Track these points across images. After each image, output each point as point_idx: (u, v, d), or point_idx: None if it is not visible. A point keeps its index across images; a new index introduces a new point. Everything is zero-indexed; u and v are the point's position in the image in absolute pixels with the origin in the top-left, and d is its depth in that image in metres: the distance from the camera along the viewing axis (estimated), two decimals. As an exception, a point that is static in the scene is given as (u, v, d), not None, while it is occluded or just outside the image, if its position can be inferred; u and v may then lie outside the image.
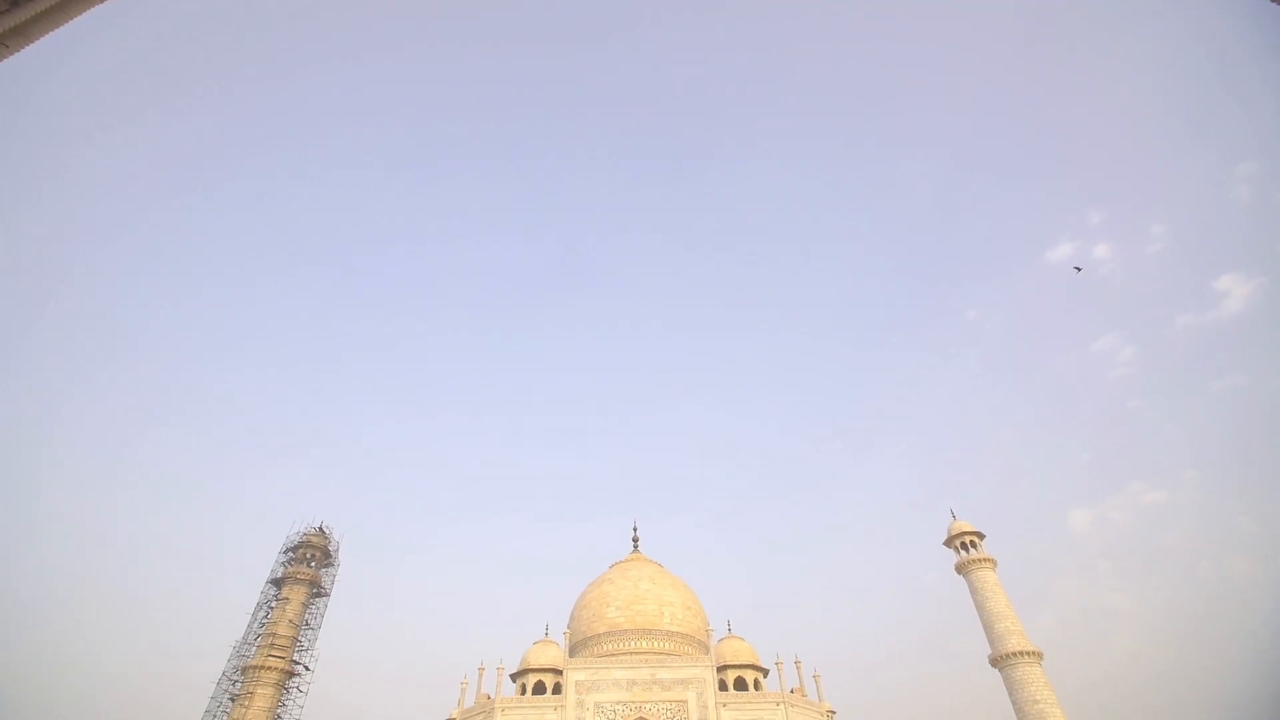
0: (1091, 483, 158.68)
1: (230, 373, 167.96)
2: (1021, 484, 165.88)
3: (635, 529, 69.91)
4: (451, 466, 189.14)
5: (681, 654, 54.06)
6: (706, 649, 54.72)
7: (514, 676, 52.59)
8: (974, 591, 56.32)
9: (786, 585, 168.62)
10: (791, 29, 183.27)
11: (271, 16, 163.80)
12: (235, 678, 51.24)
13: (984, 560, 56.96)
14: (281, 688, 51.42)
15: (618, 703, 47.33)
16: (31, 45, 6.34)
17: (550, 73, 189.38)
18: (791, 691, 49.96)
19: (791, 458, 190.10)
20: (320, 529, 60.00)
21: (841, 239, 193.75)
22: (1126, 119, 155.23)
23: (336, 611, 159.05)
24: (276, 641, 52.11)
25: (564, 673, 49.10)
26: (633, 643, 54.95)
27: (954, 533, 59.73)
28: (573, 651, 55.93)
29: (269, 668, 50.55)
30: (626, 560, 65.50)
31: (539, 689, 50.20)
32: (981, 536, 59.04)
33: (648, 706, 47.12)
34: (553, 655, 52.54)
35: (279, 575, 56.07)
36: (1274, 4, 7.53)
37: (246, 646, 52.65)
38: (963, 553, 58.26)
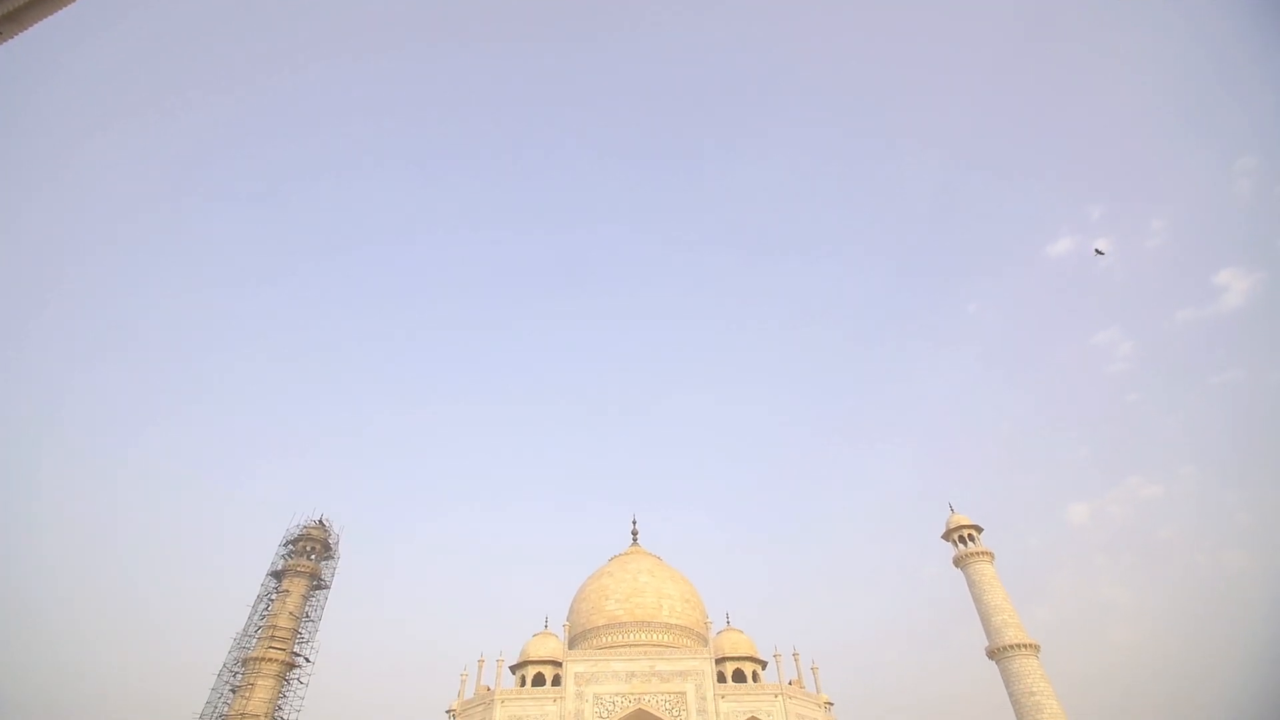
0: (1090, 476, 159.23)
1: (230, 367, 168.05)
2: (1020, 477, 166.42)
3: (634, 522, 70.19)
4: (451, 459, 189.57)
5: (680, 646, 54.30)
6: (705, 641, 54.96)
7: (513, 668, 52.83)
8: (972, 584, 56.53)
9: (785, 578, 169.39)
10: (793, 27, 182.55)
11: (274, 15, 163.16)
12: (236, 669, 51.49)
13: (982, 553, 57.16)
14: (282, 679, 51.69)
15: (617, 694, 47.56)
16: (25, 31, 6.30)
17: (552, 70, 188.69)
18: (790, 683, 50.21)
19: (791, 451, 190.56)
20: (320, 522, 60.18)
21: (843, 234, 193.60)
22: (1127, 114, 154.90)
23: (336, 604, 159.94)
24: (277, 633, 52.33)
25: (563, 665, 49.32)
26: (632, 635, 55.19)
27: (952, 526, 59.91)
28: (572, 644, 56.19)
29: (269, 659, 50.80)
30: (626, 553, 65.69)
31: (538, 681, 50.43)
32: (980, 530, 59.22)
33: (647, 698, 47.35)
34: (552, 647, 52.76)
35: (279, 568, 56.27)
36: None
37: (247, 638, 52.89)
38: (961, 546, 58.46)
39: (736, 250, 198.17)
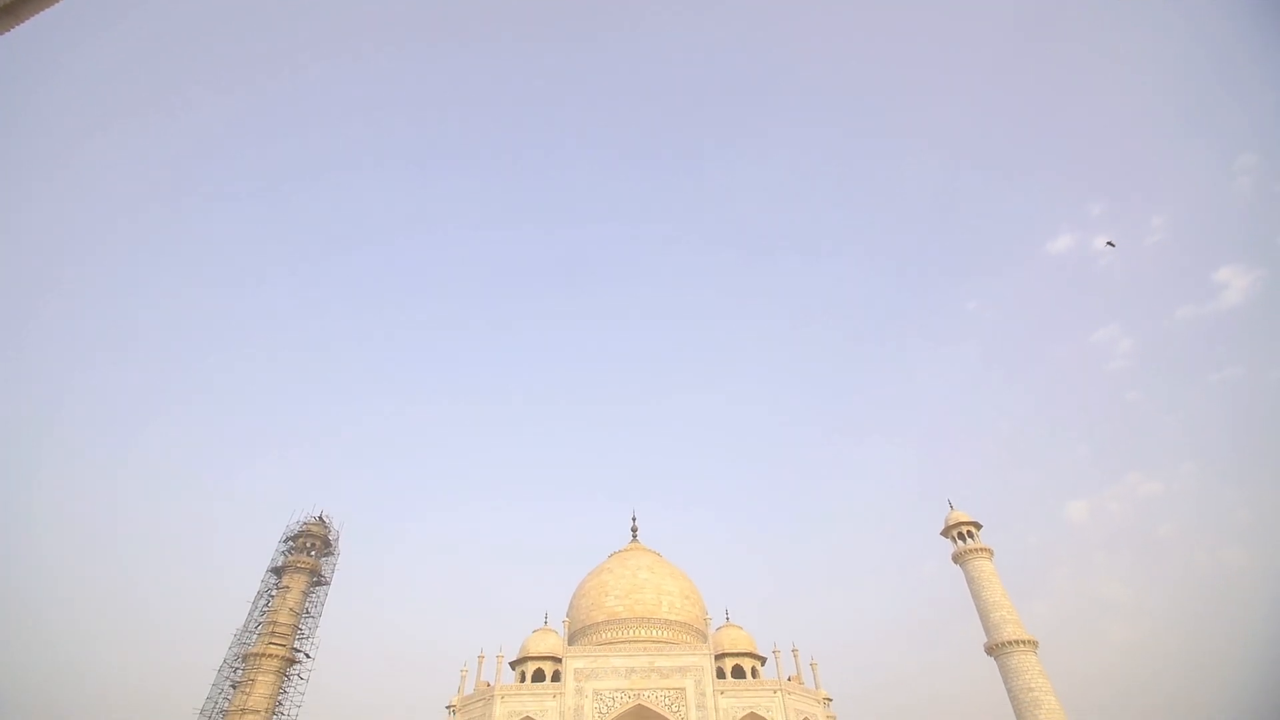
0: (1089, 474, 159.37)
1: (230, 364, 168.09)
2: (1020, 474, 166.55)
3: (634, 518, 70.34)
4: (451, 456, 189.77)
5: (680, 642, 54.43)
6: (704, 637, 55.09)
7: (514, 664, 52.97)
8: (971, 581, 56.63)
9: (785, 574, 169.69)
10: (793, 26, 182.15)
11: (274, 14, 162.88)
12: (237, 665, 51.61)
13: (981, 550, 57.24)
14: (283, 675, 51.82)
15: (616, 690, 47.69)
16: (21, 25, 6.31)
17: (552, 70, 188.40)
18: (789, 679, 50.35)
19: (791, 448, 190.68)
20: (320, 518, 60.26)
21: (843, 233, 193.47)
22: (1127, 111, 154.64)
23: (337, 600, 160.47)
24: (277, 629, 52.44)
25: (563, 661, 49.46)
26: (631, 631, 55.32)
27: (951, 523, 59.98)
28: (572, 640, 56.32)
29: (270, 655, 50.91)
30: (625, 550, 65.81)
31: (538, 676, 50.57)
32: (979, 526, 59.30)
33: (646, 694, 47.49)
34: (552, 643, 52.88)
35: (279, 564, 56.36)
36: None
37: (247, 634, 53.00)
38: (960, 542, 58.54)
39: (737, 249, 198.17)
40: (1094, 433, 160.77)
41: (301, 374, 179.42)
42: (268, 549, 58.55)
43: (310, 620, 55.49)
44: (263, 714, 49.09)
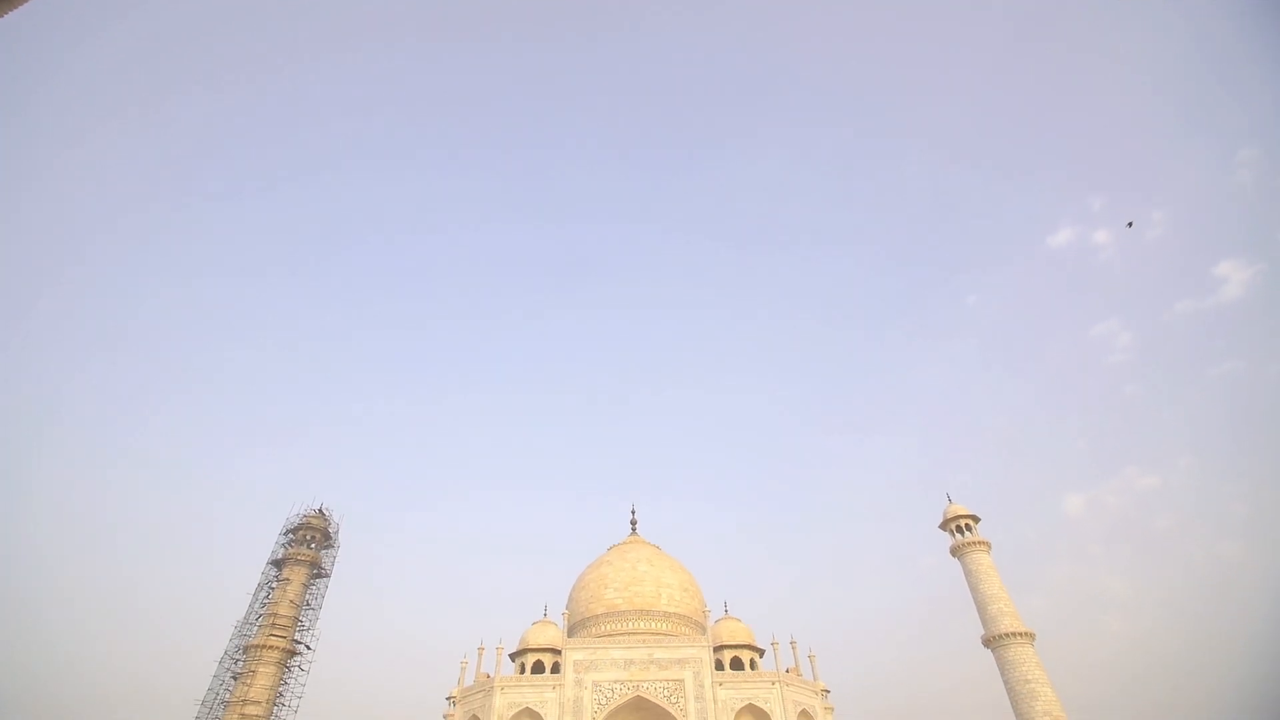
0: (1087, 467, 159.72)
1: (231, 358, 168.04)
2: (1018, 468, 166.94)
3: (634, 511, 70.41)
4: (451, 449, 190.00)
5: (679, 634, 54.67)
6: (703, 629, 55.33)
7: (513, 656, 53.21)
8: (968, 574, 56.84)
9: (784, 567, 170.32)
10: (793, 23, 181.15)
11: (276, 11, 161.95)
12: (237, 656, 51.81)
13: (979, 543, 57.42)
14: (283, 666, 52.03)
15: (615, 682, 47.92)
16: (15, 10, 6.26)
17: (554, 65, 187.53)
18: (787, 671, 50.60)
19: (791, 441, 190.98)
20: (320, 511, 60.33)
21: (842, 226, 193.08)
22: (1128, 105, 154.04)
23: (337, 592, 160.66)
24: (278, 621, 52.60)
25: (563, 652, 49.66)
26: (630, 623, 55.52)
27: (949, 516, 60.14)
28: (571, 632, 56.54)
29: (271, 646, 51.09)
30: (625, 542, 65.96)
31: (538, 668, 50.82)
32: (977, 520, 59.46)
33: (645, 685, 47.71)
34: (551, 635, 53.11)
35: (279, 556, 56.46)
36: None
37: (248, 626, 53.17)
38: (958, 535, 58.71)
39: (737, 243, 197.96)
40: (1092, 427, 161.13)
41: (302, 367, 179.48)
42: (268, 541, 58.71)
43: (311, 612, 55.66)
44: (263, 705, 49.33)
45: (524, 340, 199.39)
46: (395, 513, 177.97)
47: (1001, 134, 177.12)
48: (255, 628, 52.76)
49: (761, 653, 52.86)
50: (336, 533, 60.19)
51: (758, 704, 47.01)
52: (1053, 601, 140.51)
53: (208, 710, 49.88)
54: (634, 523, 69.45)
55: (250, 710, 48.36)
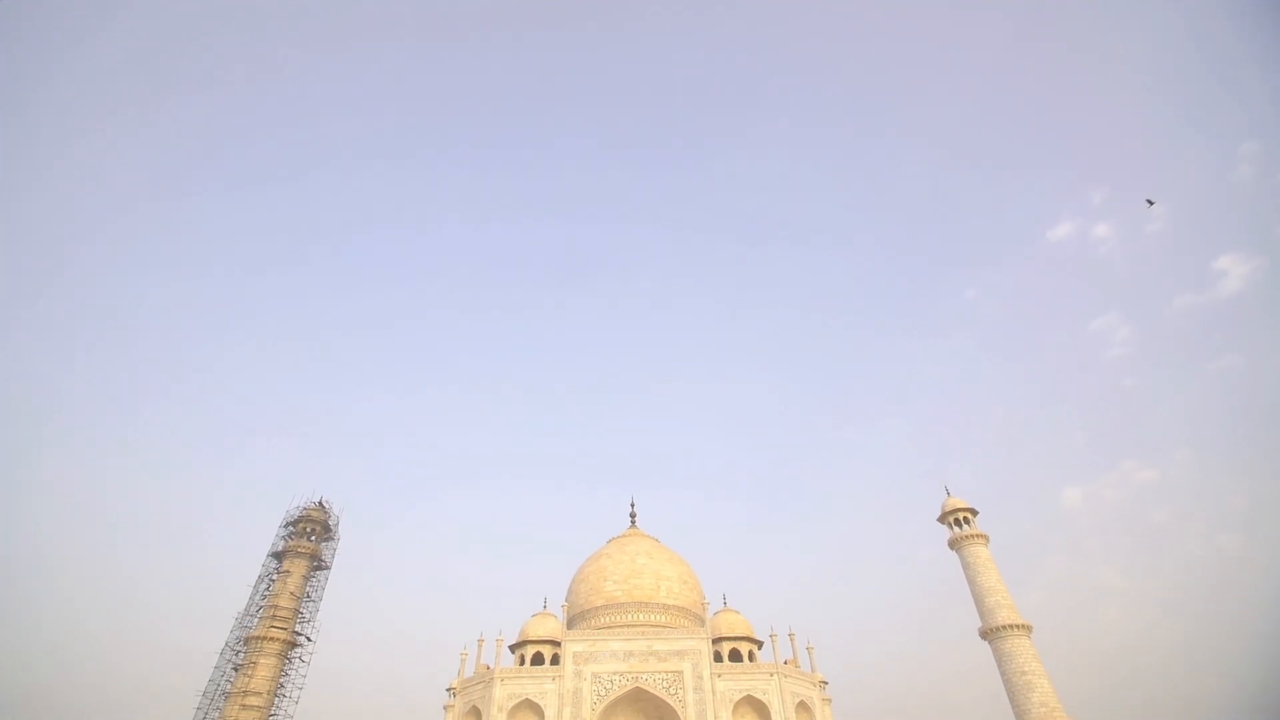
0: (1085, 461, 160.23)
1: (231, 351, 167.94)
2: (1016, 461, 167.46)
3: (633, 504, 70.56)
4: (451, 442, 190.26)
5: (677, 626, 54.89)
6: (702, 622, 55.54)
7: (513, 648, 53.42)
8: (966, 566, 57.02)
9: (782, 560, 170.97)
10: (792, 18, 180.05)
11: (278, 8, 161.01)
12: (238, 648, 52.02)
13: (976, 536, 57.58)
14: (284, 658, 52.26)
15: (615, 673, 48.14)
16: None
17: (555, 63, 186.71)
18: (785, 663, 50.83)
19: (790, 435, 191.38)
20: (320, 504, 60.46)
21: (843, 221, 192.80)
22: (1128, 98, 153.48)
23: (337, 584, 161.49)
24: (278, 613, 52.80)
25: (562, 644, 49.88)
26: (630, 615, 55.74)
27: (948, 509, 60.30)
28: (570, 624, 56.77)
29: (271, 638, 51.31)
30: (624, 535, 66.12)
31: (537, 660, 51.03)
32: (975, 513, 59.62)
33: (644, 677, 47.95)
34: (551, 627, 53.30)
35: (280, 549, 56.63)
36: None
37: (249, 618, 53.38)
38: (956, 529, 58.88)
39: (738, 239, 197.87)
40: (1091, 420, 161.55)
41: (303, 361, 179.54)
42: (268, 534, 58.94)
43: (311, 604, 55.88)
44: (264, 696, 49.59)
45: (525, 333, 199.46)
46: (395, 505, 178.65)
47: (1002, 128, 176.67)
48: (256, 619, 52.96)
49: (760, 645, 53.09)
50: (336, 525, 60.36)
51: (756, 695, 47.25)
52: (1050, 594, 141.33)
53: (209, 701, 50.13)
54: (633, 515, 69.66)
55: (251, 701, 48.62)
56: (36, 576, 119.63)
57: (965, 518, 59.26)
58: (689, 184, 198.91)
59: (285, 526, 58.12)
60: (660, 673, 48.02)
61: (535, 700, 47.14)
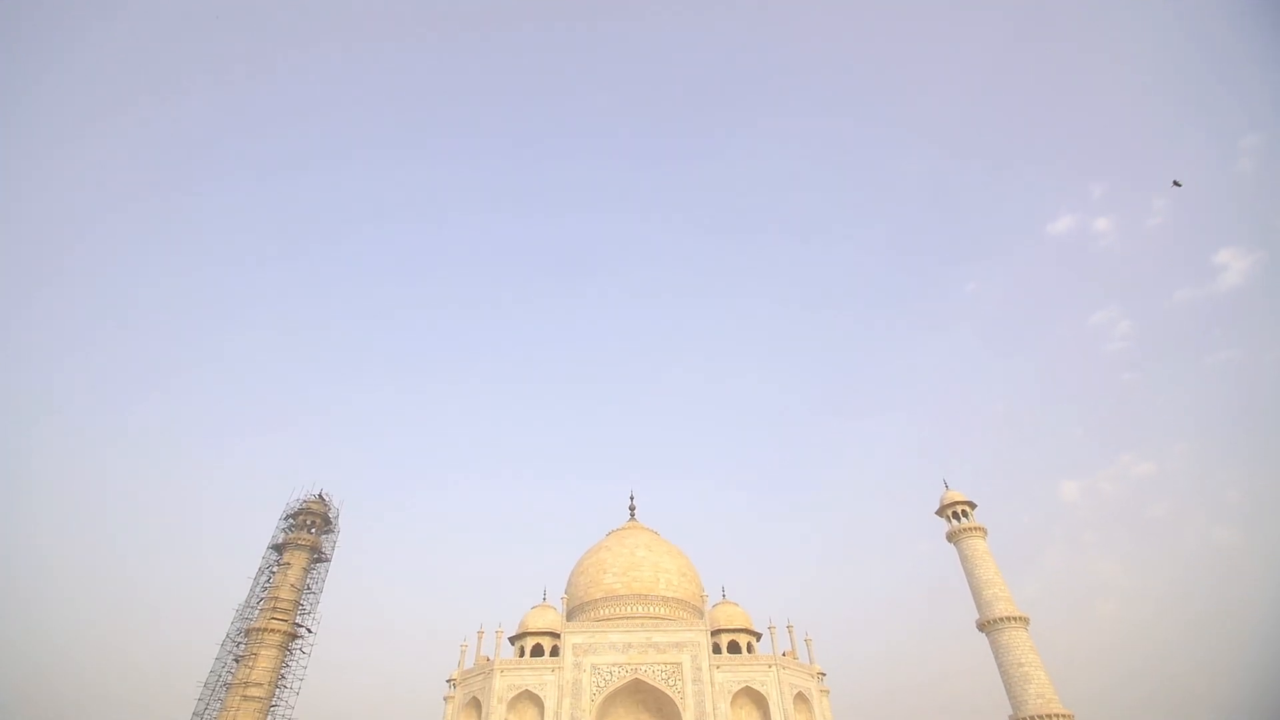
0: (1083, 454, 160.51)
1: (231, 344, 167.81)
2: (1015, 454, 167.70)
3: (632, 497, 70.77)
4: (451, 435, 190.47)
5: (676, 619, 55.15)
6: (701, 614, 55.80)
7: (513, 640, 53.71)
8: (964, 559, 57.22)
9: (782, 552, 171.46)
10: (791, 12, 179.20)
11: (285, 5, 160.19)
12: (239, 640, 52.17)
13: (974, 529, 57.76)
14: (285, 649, 52.43)
15: (614, 665, 48.41)
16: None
17: (553, 58, 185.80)
18: (783, 655, 51.14)
19: (788, 428, 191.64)
20: (320, 496, 60.49)
21: (843, 215, 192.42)
22: (1129, 91, 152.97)
23: (337, 576, 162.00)
24: (279, 605, 52.95)
25: (562, 636, 50.12)
26: (629, 608, 56.00)
27: (946, 502, 60.45)
28: (570, 616, 57.03)
29: (272, 630, 51.47)
30: (623, 528, 66.34)
31: (537, 651, 51.31)
32: (973, 506, 59.77)
33: (643, 669, 48.22)
34: (550, 619, 53.55)
35: (280, 541, 56.72)
36: None
37: (249, 610, 53.50)
38: (954, 521, 59.04)
39: (737, 232, 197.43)
40: (1089, 414, 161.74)
41: (303, 353, 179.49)
42: (268, 526, 58.98)
43: (311, 596, 56.00)
44: (265, 687, 49.78)
45: (524, 326, 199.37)
46: (395, 498, 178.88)
47: (1002, 122, 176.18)
48: (256, 611, 53.10)
49: (758, 636, 53.38)
50: (336, 517, 60.43)
51: (754, 687, 47.54)
52: (1047, 587, 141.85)
53: (210, 692, 50.31)
54: (633, 508, 69.88)
55: (252, 692, 48.81)
56: (36, 570, 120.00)
57: (964, 510, 59.44)
58: (691, 179, 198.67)
59: (285, 519, 58.19)
60: (659, 664, 48.27)
61: (535, 691, 47.42)
